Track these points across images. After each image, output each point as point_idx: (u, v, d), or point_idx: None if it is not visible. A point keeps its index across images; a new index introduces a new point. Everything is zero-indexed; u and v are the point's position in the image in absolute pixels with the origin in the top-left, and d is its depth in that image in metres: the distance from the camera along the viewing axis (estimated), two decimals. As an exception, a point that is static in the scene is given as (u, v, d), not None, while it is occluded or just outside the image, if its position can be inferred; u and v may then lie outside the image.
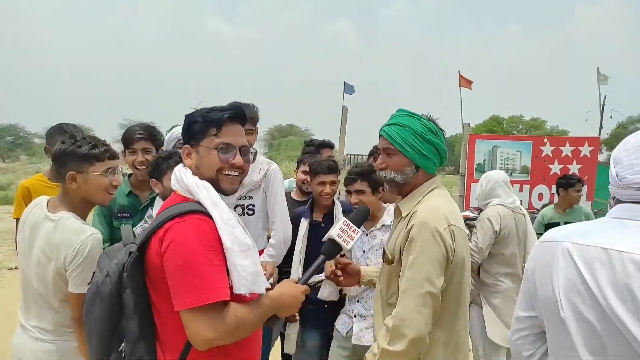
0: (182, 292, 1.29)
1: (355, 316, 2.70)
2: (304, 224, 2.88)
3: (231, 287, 1.36)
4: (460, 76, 16.76)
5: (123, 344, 1.39)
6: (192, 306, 1.28)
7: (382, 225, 2.73)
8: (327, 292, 2.71)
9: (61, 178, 1.91)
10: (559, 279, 1.15)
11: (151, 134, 2.72)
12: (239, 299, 1.37)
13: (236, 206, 2.72)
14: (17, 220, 2.54)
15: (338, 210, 2.93)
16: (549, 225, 4.24)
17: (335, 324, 2.82)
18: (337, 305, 2.83)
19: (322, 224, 2.89)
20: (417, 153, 1.76)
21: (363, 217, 1.91)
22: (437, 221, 1.66)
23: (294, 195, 3.37)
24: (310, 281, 1.68)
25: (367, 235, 2.74)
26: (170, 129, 3.00)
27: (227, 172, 1.49)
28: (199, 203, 1.41)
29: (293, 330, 2.76)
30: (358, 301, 2.72)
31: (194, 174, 1.48)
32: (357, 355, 2.67)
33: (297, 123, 55.01)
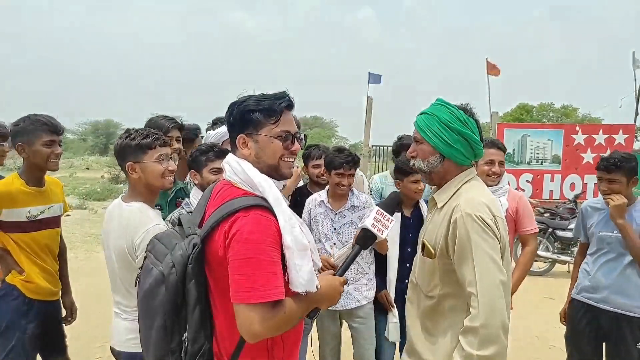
0: (240, 286, 1.33)
1: None
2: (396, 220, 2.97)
3: (286, 283, 1.39)
4: (488, 63, 16.37)
5: (186, 333, 1.43)
6: (248, 302, 1.31)
7: (351, 206, 2.95)
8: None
9: (124, 172, 2.06)
10: None
11: (180, 124, 2.82)
12: (285, 289, 1.40)
13: None
14: None
15: (424, 208, 2.95)
16: None
17: None
18: None
19: (411, 220, 2.94)
20: (442, 142, 1.75)
21: (395, 205, 1.90)
22: (483, 213, 1.65)
23: (309, 188, 3.39)
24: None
25: (336, 214, 2.95)
26: (212, 124, 3.07)
27: (286, 159, 1.53)
28: (261, 198, 1.43)
29: (393, 319, 2.90)
30: None
31: (252, 163, 1.50)
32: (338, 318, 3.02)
33: (322, 115, 54.74)
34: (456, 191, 1.78)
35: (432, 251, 1.76)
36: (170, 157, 2.10)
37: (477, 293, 1.59)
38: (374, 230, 1.73)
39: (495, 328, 1.55)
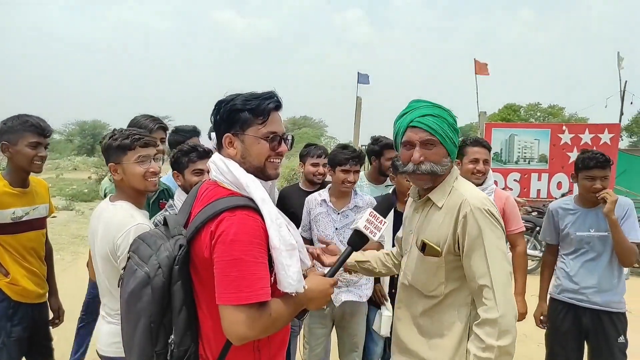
0: (225, 288, 1.31)
1: None
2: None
3: (273, 284, 1.38)
4: (476, 63, 16.49)
5: (172, 336, 1.39)
6: (233, 303, 1.30)
7: (354, 206, 2.91)
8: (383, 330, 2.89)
9: (110, 171, 2.04)
10: None
11: (164, 124, 2.78)
12: (273, 289, 1.38)
13: None
14: None
15: None
16: None
17: None
18: None
19: None
20: (452, 143, 1.78)
21: (388, 207, 1.89)
22: (490, 206, 1.71)
23: (302, 186, 3.38)
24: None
25: (339, 214, 2.90)
26: None
27: (272, 160, 1.51)
28: (247, 198, 1.41)
29: (387, 312, 2.88)
30: None
31: (238, 163, 1.47)
32: (330, 314, 2.93)
33: (311, 115, 54.82)
34: (451, 189, 1.79)
35: (438, 249, 1.74)
36: (154, 159, 2.05)
37: (491, 285, 1.61)
38: (366, 232, 1.71)
39: (511, 318, 1.60)
